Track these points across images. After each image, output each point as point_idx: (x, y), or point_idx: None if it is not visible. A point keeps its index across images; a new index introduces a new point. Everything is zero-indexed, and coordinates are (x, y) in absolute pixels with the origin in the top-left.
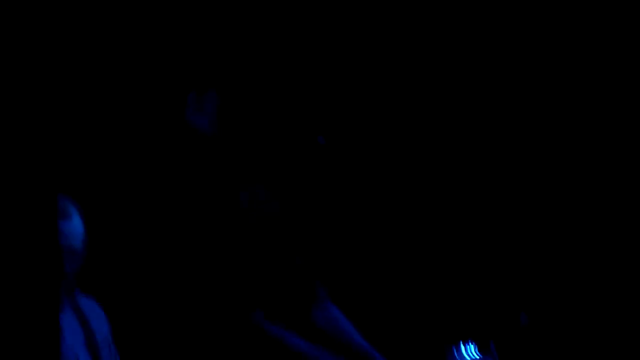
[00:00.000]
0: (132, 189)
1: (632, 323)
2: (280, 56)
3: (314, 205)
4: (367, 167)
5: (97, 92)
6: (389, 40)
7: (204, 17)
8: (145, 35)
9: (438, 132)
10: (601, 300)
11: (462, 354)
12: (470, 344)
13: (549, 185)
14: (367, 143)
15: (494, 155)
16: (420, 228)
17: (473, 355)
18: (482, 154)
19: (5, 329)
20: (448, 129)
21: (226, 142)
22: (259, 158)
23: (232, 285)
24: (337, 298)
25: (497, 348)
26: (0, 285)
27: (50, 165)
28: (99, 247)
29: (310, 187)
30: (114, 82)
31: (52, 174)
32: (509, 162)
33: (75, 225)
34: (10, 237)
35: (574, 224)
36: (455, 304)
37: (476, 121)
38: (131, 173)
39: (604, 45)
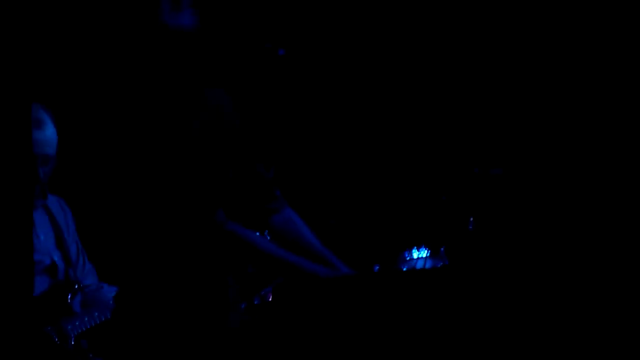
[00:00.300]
0: (104, 91)
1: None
2: None
3: (276, 115)
4: (327, 78)
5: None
6: None
7: None
8: None
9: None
10: (549, 204)
11: (413, 256)
12: (422, 248)
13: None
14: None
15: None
16: (377, 135)
17: (424, 258)
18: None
19: None
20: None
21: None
22: (229, 62)
23: (197, 186)
24: (295, 204)
25: (447, 252)
26: None
27: (24, 74)
28: (68, 148)
29: (272, 96)
30: None
31: (25, 83)
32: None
33: (49, 134)
34: None
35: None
36: (409, 211)
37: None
38: (104, 76)
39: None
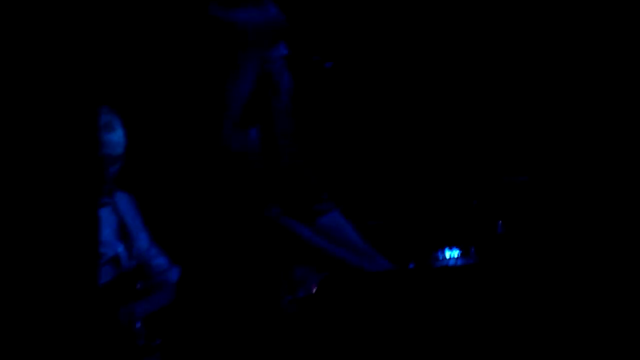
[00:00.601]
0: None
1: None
2: None
3: (322, 120)
4: (368, 87)
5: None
6: None
7: None
8: None
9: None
10: (578, 207)
11: (445, 256)
12: (453, 248)
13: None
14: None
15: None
16: (417, 143)
17: (455, 257)
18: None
19: (51, 227)
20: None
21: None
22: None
23: (250, 183)
24: (340, 204)
25: (476, 252)
26: (47, 191)
27: (93, 77)
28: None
29: (318, 101)
30: None
31: (94, 90)
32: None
33: (118, 136)
34: (57, 148)
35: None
36: (441, 214)
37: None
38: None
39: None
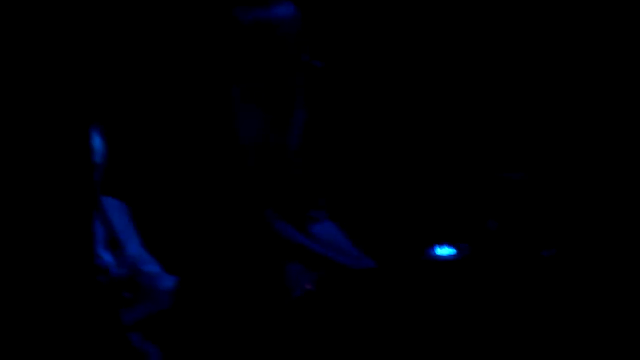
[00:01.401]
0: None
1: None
2: None
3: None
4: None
5: None
6: None
7: None
8: None
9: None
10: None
11: (437, 253)
12: (445, 245)
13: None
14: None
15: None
16: (407, 144)
17: (447, 255)
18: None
19: (45, 237)
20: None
21: None
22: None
23: (245, 186)
24: (332, 211)
25: (468, 249)
26: (41, 200)
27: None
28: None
29: (312, 106)
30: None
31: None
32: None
33: (97, 144)
34: (50, 158)
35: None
36: (433, 213)
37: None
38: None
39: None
